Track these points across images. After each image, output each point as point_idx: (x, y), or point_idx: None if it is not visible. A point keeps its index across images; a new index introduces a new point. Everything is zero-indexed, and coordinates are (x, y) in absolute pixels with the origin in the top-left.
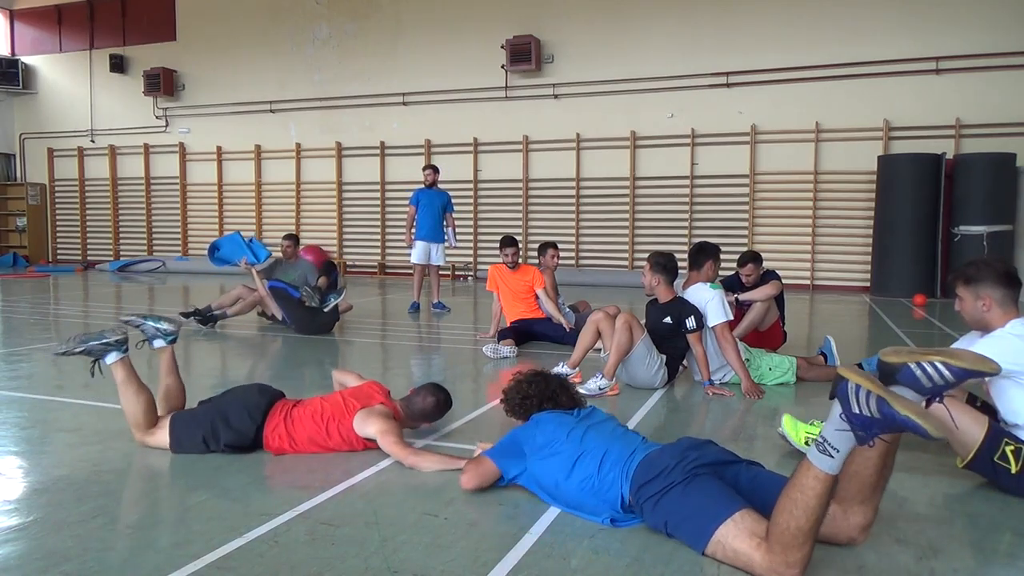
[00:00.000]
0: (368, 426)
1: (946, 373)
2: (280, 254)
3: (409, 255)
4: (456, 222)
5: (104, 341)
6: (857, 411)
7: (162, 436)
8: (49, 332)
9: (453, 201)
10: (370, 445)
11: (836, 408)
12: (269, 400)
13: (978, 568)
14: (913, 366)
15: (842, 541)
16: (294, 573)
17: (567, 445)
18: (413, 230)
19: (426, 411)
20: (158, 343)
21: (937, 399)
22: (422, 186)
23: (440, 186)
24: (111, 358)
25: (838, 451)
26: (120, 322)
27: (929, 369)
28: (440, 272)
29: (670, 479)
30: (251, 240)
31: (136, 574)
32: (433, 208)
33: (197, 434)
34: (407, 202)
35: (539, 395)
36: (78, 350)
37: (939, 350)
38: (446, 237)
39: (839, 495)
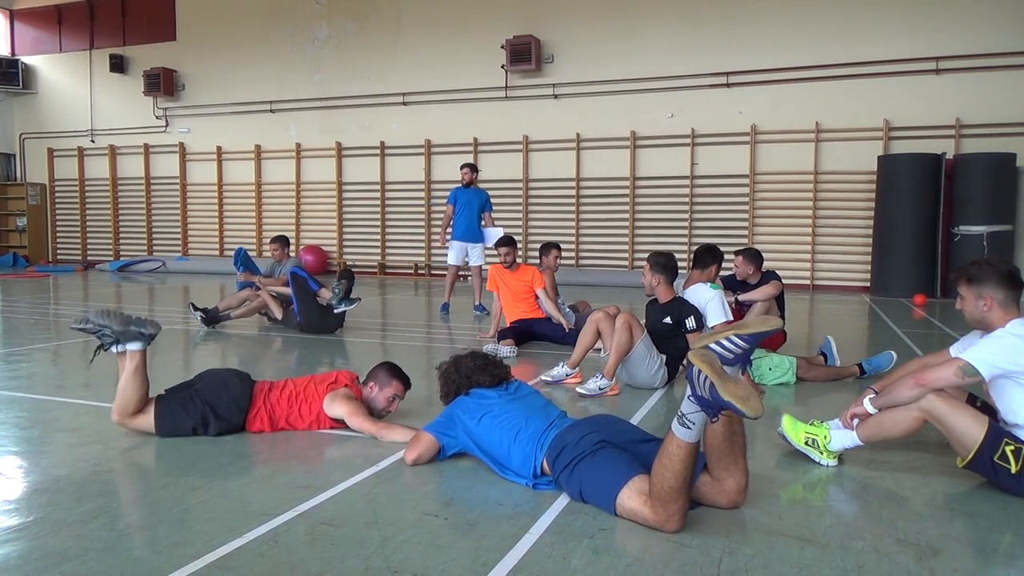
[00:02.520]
0: (335, 407)
1: (738, 342)
2: (271, 255)
3: (442, 255)
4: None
5: (141, 330)
6: (699, 393)
7: (144, 420)
8: (49, 332)
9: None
10: (336, 425)
11: (688, 389)
12: (249, 386)
13: (978, 568)
14: (713, 345)
15: (726, 505)
16: (294, 573)
17: (494, 416)
18: (449, 230)
19: (388, 399)
20: (135, 346)
21: (746, 365)
22: (459, 185)
23: (478, 185)
24: (135, 346)
25: (694, 424)
26: (94, 320)
27: (725, 343)
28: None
29: (577, 451)
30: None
31: (136, 574)
32: (471, 207)
33: (187, 424)
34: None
35: (463, 374)
36: (116, 329)
37: (731, 325)
38: (485, 237)
39: (708, 465)
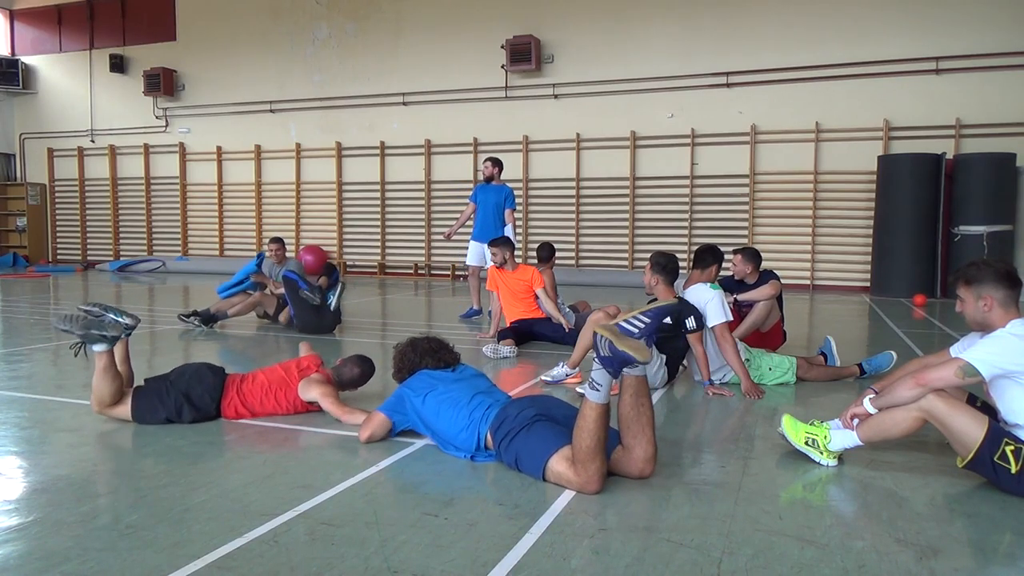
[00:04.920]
0: (310, 392)
1: (642, 318)
2: (271, 257)
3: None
4: (465, 222)
5: (102, 333)
6: (603, 354)
7: (122, 410)
8: (49, 332)
9: (454, 201)
10: (311, 408)
11: (594, 355)
12: (221, 379)
13: (978, 568)
14: (622, 323)
15: (635, 474)
16: (294, 573)
17: (439, 393)
18: (470, 224)
19: (353, 379)
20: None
21: (651, 340)
22: (482, 181)
23: (502, 181)
24: (100, 347)
25: (601, 386)
26: (80, 311)
27: (633, 320)
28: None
29: (516, 424)
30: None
31: (136, 574)
32: (487, 205)
33: (160, 413)
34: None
35: (419, 353)
36: (78, 333)
37: (633, 310)
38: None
39: (621, 439)
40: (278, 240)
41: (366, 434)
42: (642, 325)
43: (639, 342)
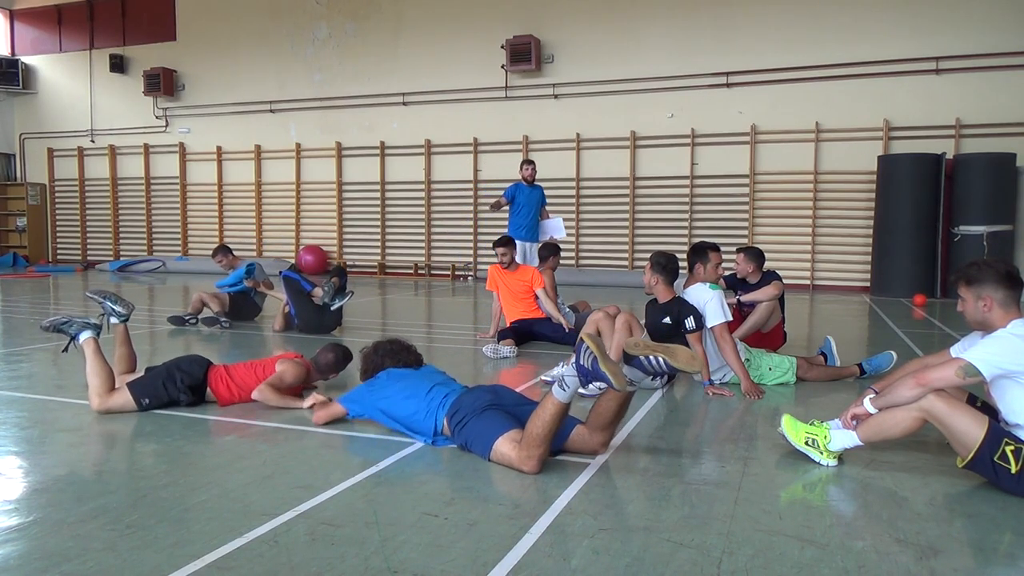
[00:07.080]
0: (284, 374)
1: (663, 366)
2: (220, 263)
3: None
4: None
5: (85, 321)
6: (582, 363)
7: (120, 397)
8: (49, 332)
9: (454, 201)
10: (294, 388)
11: (573, 359)
12: (208, 362)
13: (978, 568)
14: (643, 358)
15: (589, 452)
16: (294, 573)
17: (403, 387)
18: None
19: (329, 365)
20: (113, 320)
21: (661, 377)
22: (518, 181)
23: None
24: (85, 335)
25: (569, 388)
26: (85, 295)
27: (653, 360)
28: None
29: (470, 410)
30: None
31: (136, 574)
32: (530, 205)
33: (157, 383)
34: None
35: (380, 355)
36: (62, 323)
37: (664, 347)
38: (548, 229)
39: (588, 423)
40: (219, 250)
41: (321, 419)
42: (659, 370)
43: (620, 368)
